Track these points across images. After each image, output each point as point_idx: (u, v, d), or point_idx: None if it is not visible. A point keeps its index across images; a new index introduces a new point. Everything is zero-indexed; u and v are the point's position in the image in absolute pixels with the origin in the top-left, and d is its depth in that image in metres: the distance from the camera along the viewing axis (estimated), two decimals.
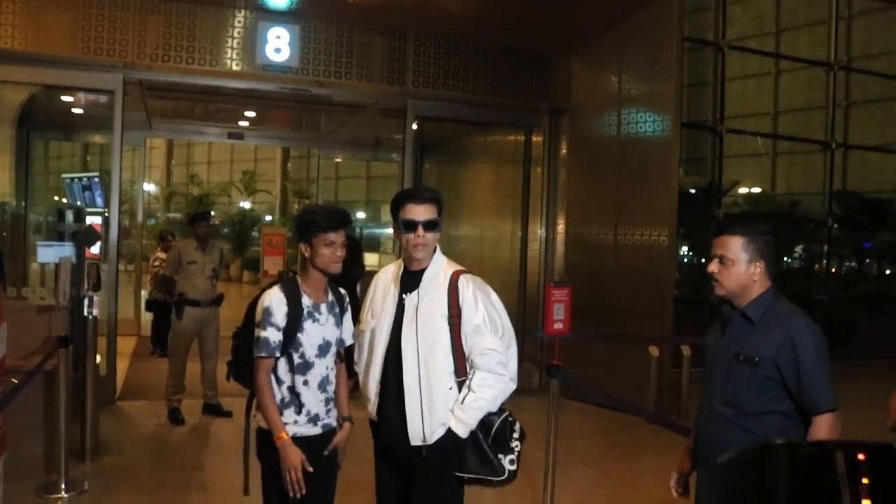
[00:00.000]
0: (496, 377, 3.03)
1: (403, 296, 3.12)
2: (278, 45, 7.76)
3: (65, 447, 5.16)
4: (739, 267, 2.75)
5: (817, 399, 2.63)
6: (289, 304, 3.03)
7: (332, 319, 3.18)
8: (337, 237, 3.07)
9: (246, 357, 3.10)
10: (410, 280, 3.13)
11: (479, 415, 3.02)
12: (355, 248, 10.26)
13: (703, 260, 10.05)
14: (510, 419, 3.10)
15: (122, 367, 8.54)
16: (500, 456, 3.05)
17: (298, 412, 3.06)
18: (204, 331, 7.23)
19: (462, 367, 3.04)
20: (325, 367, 3.14)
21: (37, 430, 5.28)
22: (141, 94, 9.00)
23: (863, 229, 12.44)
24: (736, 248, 2.74)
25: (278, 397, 3.04)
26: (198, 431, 6.85)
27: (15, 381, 4.01)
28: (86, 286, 5.86)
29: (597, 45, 8.70)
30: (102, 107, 8.29)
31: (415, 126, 8.75)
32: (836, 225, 11.11)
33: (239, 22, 7.77)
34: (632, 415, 6.63)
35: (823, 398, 2.63)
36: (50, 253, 9.00)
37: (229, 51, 7.71)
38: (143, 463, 5.89)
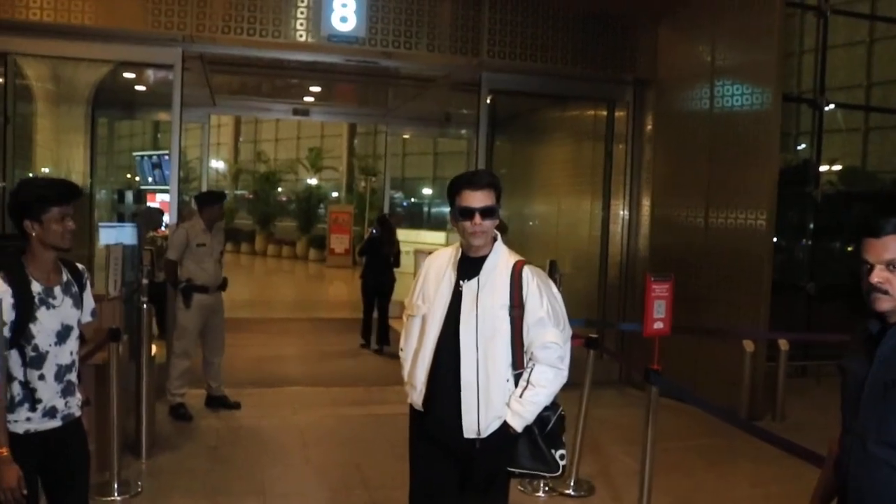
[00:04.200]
0: (555, 371, 2.96)
1: (461, 282, 2.98)
2: (344, 13, 7.26)
3: (117, 445, 4.84)
4: None
5: None
6: (15, 295, 2.73)
7: (69, 301, 2.93)
8: (68, 209, 2.83)
9: None
10: (469, 267, 3.00)
11: (537, 410, 2.95)
12: (388, 228, 10.03)
13: (805, 241, 9.30)
14: (563, 414, 3.06)
15: None
16: (553, 451, 3.00)
17: (33, 408, 2.83)
18: (211, 319, 6.76)
19: (520, 360, 2.95)
20: (66, 353, 2.92)
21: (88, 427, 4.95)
22: (203, 69, 8.68)
23: None
24: None
25: (9, 396, 2.75)
26: (248, 428, 6.44)
27: None
28: (142, 273, 5.49)
29: (687, 10, 7.98)
30: (168, 83, 7.97)
31: (488, 100, 8.20)
32: None
33: None
34: (721, 419, 6.00)
35: None
36: (112, 235, 8.83)
37: (293, 21, 7.24)
38: (199, 462, 5.54)
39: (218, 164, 34.78)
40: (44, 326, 2.82)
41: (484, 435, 2.94)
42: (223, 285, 6.86)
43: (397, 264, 10.06)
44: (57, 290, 2.88)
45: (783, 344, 7.38)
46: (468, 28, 7.74)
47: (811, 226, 9.21)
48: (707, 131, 7.73)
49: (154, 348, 5.82)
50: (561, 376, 2.98)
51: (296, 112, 12.49)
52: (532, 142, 11.39)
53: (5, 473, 2.62)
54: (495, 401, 2.92)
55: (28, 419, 2.82)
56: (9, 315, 2.70)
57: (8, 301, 2.69)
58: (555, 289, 3.06)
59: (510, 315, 2.93)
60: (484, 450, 2.96)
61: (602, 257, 8.91)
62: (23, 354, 2.79)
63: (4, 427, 2.68)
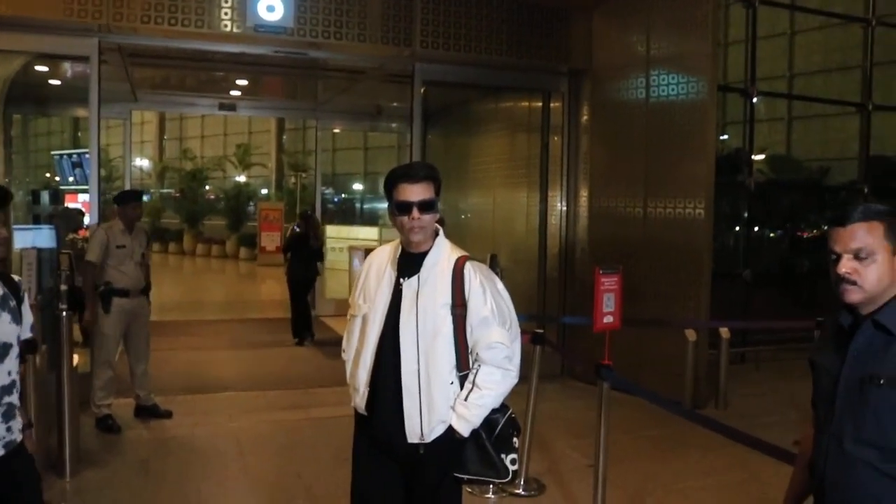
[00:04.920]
0: (503, 372, 2.80)
1: (401, 280, 2.83)
2: (271, 3, 6.96)
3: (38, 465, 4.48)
4: (883, 262, 2.05)
5: None
6: None
7: (7, 316, 2.65)
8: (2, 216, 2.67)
9: None
10: (409, 264, 2.84)
11: (484, 413, 2.80)
12: (312, 224, 10.14)
13: (740, 229, 9.39)
14: (513, 416, 2.89)
15: None
16: (503, 455, 2.84)
17: None
18: (133, 325, 6.37)
19: (465, 362, 2.79)
20: (4, 373, 2.63)
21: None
22: (122, 62, 8.27)
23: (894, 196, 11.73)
24: (877, 238, 2.05)
25: None
26: (181, 438, 6.11)
27: None
28: (60, 278, 5.13)
29: (621, 0, 7.93)
30: (85, 77, 7.54)
31: (422, 92, 8.01)
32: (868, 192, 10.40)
33: None
34: (668, 411, 5.96)
35: None
36: (28, 238, 8.32)
37: (217, 10, 6.90)
38: (129, 477, 5.20)
39: (143, 163, 33.79)
40: None
41: (428, 440, 2.78)
42: (146, 289, 6.51)
43: (321, 259, 10.60)
44: None
45: (724, 332, 7.40)
46: (400, 18, 7.52)
47: (745, 214, 9.31)
48: (643, 121, 7.69)
49: (77, 358, 5.45)
50: (510, 377, 2.83)
51: (222, 107, 12.11)
52: (466, 134, 11.26)
53: None
54: (438, 404, 2.76)
55: None
56: None
57: None
58: (500, 285, 2.90)
59: (452, 314, 2.77)
60: (428, 455, 2.81)
61: (541, 250, 8.82)
62: None
63: None
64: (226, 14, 6.93)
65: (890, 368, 2.00)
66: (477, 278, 2.79)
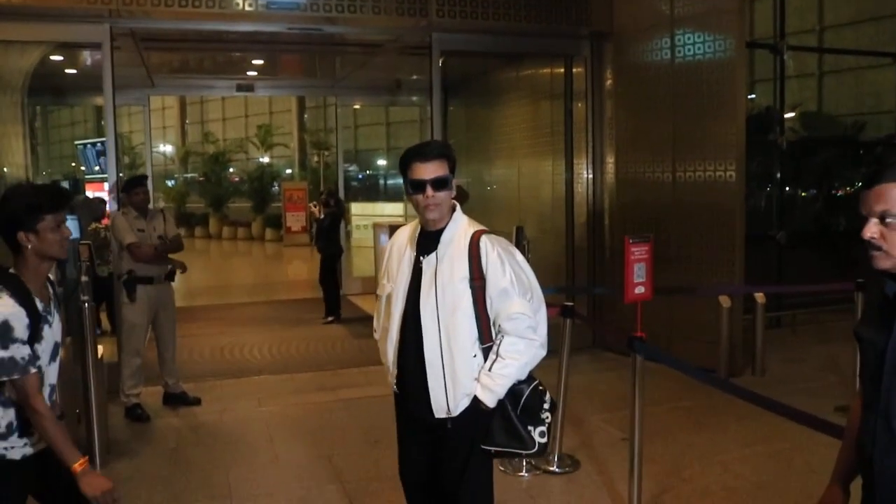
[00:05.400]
0: (526, 342, 2.81)
1: (421, 258, 2.90)
2: None
3: None
4: None
5: None
6: (28, 315, 2.55)
7: (58, 316, 2.78)
8: (61, 216, 2.67)
9: None
10: (428, 241, 2.90)
11: (508, 382, 2.82)
12: (340, 202, 10.81)
13: (772, 190, 9.13)
14: (540, 388, 2.91)
15: None
16: (531, 428, 2.86)
17: (30, 432, 2.65)
18: (161, 312, 6.28)
19: (487, 334, 2.83)
20: (55, 372, 2.76)
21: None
22: (136, 47, 8.16)
23: None
24: None
25: (4, 422, 2.59)
26: (210, 425, 6.07)
27: None
28: (80, 269, 5.07)
29: None
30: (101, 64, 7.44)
31: (440, 63, 7.82)
32: None
33: None
34: (703, 381, 5.82)
35: None
36: None
37: None
38: (159, 466, 5.16)
39: (166, 148, 33.92)
40: (44, 346, 2.66)
41: (455, 414, 2.84)
42: (171, 275, 6.44)
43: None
44: (52, 305, 2.73)
45: (760, 297, 7.19)
46: None
47: (778, 174, 9.04)
48: (669, 84, 7.45)
49: (101, 349, 5.40)
50: (533, 347, 2.82)
51: (240, 88, 12.00)
52: (488, 104, 11.06)
53: (95, 481, 2.57)
54: (462, 378, 2.81)
55: (25, 444, 2.65)
56: (25, 335, 2.53)
57: (24, 322, 2.52)
58: (520, 257, 2.92)
59: (471, 287, 2.80)
60: (456, 429, 2.87)
61: (568, 220, 8.64)
62: None
63: (68, 441, 2.59)
64: None
65: None
66: (494, 251, 2.81)
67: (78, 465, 2.56)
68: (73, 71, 9.88)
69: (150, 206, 6.68)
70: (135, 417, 6.09)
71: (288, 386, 7.07)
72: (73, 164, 22.58)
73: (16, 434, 2.62)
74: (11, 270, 2.61)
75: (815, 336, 8.57)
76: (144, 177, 6.61)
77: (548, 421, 2.91)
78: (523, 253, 6.15)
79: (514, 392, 2.84)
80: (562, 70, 8.68)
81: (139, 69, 9.52)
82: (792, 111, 11.32)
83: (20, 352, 2.50)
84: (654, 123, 7.64)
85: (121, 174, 9.55)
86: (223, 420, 6.12)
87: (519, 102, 10.15)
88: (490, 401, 2.80)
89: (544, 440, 2.89)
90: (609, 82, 8.14)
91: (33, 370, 2.54)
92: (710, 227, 7.18)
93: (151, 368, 6.57)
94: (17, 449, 2.63)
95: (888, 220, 1.87)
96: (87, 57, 9.13)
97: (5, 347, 2.47)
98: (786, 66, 9.06)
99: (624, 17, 7.88)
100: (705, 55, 7.13)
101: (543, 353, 2.87)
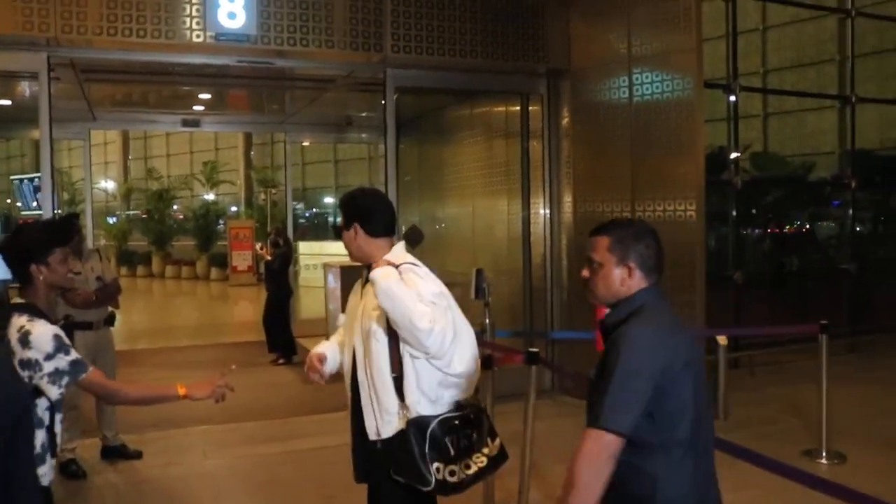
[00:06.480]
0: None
1: (362, 290, 3.16)
2: (232, 9, 6.56)
3: None
4: (608, 272, 2.35)
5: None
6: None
7: None
8: (68, 249, 2.99)
9: None
10: (368, 275, 3.07)
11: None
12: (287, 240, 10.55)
13: (728, 230, 9.14)
14: (456, 422, 2.95)
15: None
16: (439, 465, 2.86)
17: (54, 455, 2.75)
18: (99, 359, 5.69)
19: (395, 363, 2.95)
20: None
21: None
22: (76, 78, 7.81)
23: (879, 190, 11.54)
24: (602, 250, 2.36)
25: (39, 442, 2.63)
26: (152, 481, 5.67)
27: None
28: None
29: None
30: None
31: (394, 99, 7.63)
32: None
33: None
34: None
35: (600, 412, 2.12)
36: None
37: (175, 19, 6.47)
38: None
39: (107, 184, 33.09)
40: None
41: (383, 436, 2.97)
42: (110, 320, 6.04)
43: None
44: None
45: (722, 340, 7.07)
46: (369, 21, 7.15)
47: (733, 213, 9.03)
48: (627, 122, 7.38)
49: None
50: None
51: (186, 123, 11.65)
52: (441, 141, 10.90)
53: (200, 388, 2.99)
54: (384, 397, 2.95)
55: (50, 467, 2.72)
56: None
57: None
58: (423, 275, 3.00)
59: (385, 316, 2.93)
60: (384, 452, 2.98)
61: (525, 259, 8.46)
62: (52, 402, 2.71)
63: (155, 389, 3.02)
64: (185, 23, 6.51)
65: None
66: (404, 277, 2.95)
67: (181, 392, 2.90)
68: (8, 102, 9.44)
69: (85, 245, 6.28)
70: (70, 474, 5.63)
71: (235, 436, 6.68)
72: (9, 200, 21.82)
73: (49, 454, 2.69)
74: (22, 300, 2.77)
75: (774, 377, 8.50)
76: (76, 215, 6.22)
77: (479, 461, 2.98)
78: (483, 297, 5.98)
79: (419, 424, 2.89)
80: (518, 107, 8.56)
81: (80, 101, 9.14)
82: (744, 151, 11.41)
83: (78, 354, 2.75)
84: (612, 161, 7.54)
85: (58, 211, 9.09)
86: (166, 475, 5.71)
87: (473, 140, 10.01)
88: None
89: (453, 479, 2.90)
90: (566, 120, 8.05)
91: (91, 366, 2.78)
92: (670, 267, 6.98)
93: (88, 420, 6.13)
94: (47, 476, 2.68)
95: (593, 265, 2.36)
96: (25, 88, 8.73)
97: (68, 353, 2.70)
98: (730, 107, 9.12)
99: (581, 55, 7.82)
100: (664, 94, 7.09)
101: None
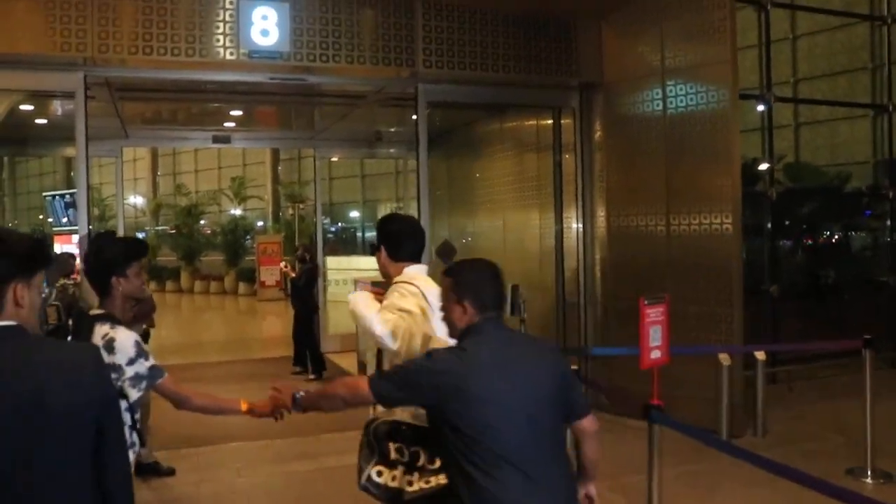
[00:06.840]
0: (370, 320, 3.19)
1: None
2: (265, 27, 6.59)
3: None
4: (450, 310, 2.72)
5: None
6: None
7: None
8: (142, 263, 3.17)
9: None
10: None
11: (355, 307, 3.26)
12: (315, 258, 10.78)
13: (763, 242, 8.99)
14: (404, 428, 3.05)
15: None
16: (380, 468, 3.06)
17: (143, 444, 3.07)
18: None
19: (379, 363, 3.33)
20: None
21: None
22: (110, 97, 7.87)
23: None
24: (446, 291, 2.73)
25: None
26: (185, 498, 5.65)
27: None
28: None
29: (631, 7, 7.55)
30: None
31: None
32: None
33: (218, 2, 6.58)
34: (707, 444, 5.51)
35: None
36: None
37: (209, 38, 6.51)
38: None
39: (137, 200, 33.46)
40: None
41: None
42: (144, 337, 6.05)
43: None
44: None
45: (760, 355, 6.95)
46: (401, 37, 7.15)
47: (769, 225, 8.89)
48: (661, 134, 7.31)
49: None
50: (376, 320, 3.17)
51: (216, 140, 11.71)
52: (473, 156, 10.87)
53: (262, 406, 3.13)
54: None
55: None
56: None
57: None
58: (403, 298, 3.23)
59: None
60: None
61: (557, 274, 8.39)
62: (130, 403, 2.88)
63: (222, 401, 3.18)
64: (218, 41, 6.55)
65: None
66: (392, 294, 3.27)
67: (244, 407, 3.10)
68: (44, 121, 9.56)
69: None
70: None
71: (268, 453, 6.65)
72: (41, 216, 22.11)
73: (134, 448, 2.88)
74: (101, 311, 2.96)
75: (814, 392, 8.32)
76: (112, 233, 6.25)
77: (427, 483, 2.96)
78: (519, 313, 5.92)
79: (373, 421, 3.16)
80: (549, 121, 8.52)
81: (113, 119, 9.22)
82: (778, 162, 11.26)
83: (155, 360, 2.93)
84: (646, 174, 7.46)
85: (90, 226, 9.17)
86: (200, 492, 5.70)
87: (504, 153, 9.97)
88: (349, 298, 3.37)
89: (379, 479, 3.04)
90: (599, 133, 7.98)
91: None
92: (707, 281, 6.96)
93: None
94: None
95: (443, 305, 2.79)
96: (57, 106, 8.84)
97: (147, 359, 2.89)
98: (762, 118, 9.01)
99: (614, 68, 7.76)
100: (698, 105, 7.01)
101: (383, 340, 3.17)
